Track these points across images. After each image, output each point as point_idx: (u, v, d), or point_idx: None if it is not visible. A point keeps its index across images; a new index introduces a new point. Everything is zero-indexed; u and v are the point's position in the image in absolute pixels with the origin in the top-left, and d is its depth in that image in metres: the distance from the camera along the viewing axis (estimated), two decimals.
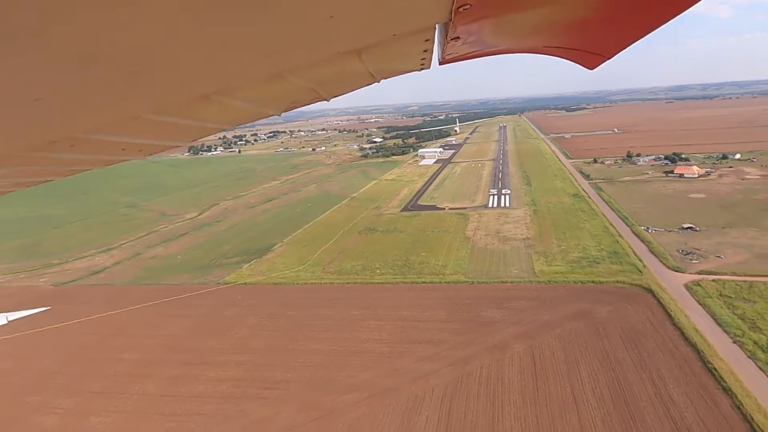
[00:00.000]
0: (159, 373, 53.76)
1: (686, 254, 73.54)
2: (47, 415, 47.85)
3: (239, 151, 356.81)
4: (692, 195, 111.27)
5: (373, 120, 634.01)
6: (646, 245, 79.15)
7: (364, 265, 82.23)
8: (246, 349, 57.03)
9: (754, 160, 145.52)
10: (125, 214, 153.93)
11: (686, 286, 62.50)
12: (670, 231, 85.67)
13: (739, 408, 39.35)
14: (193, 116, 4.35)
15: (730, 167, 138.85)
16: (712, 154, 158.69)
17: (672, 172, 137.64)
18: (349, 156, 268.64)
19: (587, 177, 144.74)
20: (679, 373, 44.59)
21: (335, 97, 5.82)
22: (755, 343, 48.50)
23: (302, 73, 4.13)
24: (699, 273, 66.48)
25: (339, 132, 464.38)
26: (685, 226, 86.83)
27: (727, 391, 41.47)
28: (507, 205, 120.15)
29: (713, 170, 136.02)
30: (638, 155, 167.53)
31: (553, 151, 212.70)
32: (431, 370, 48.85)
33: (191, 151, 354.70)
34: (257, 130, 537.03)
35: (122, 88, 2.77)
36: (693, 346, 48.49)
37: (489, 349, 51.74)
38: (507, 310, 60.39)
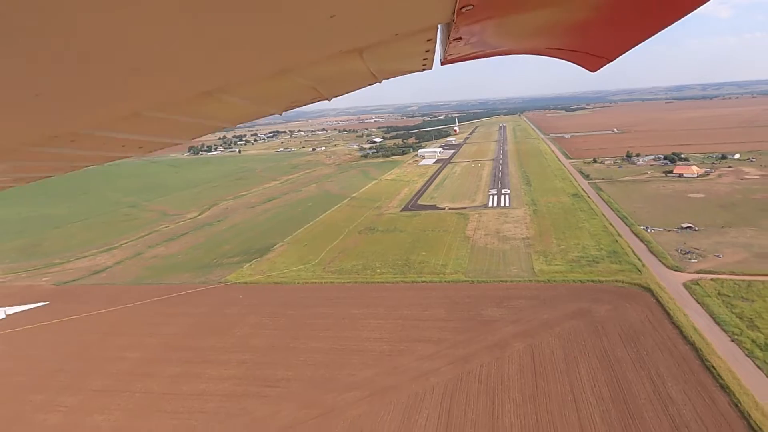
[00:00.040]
0: (161, 371, 54.10)
1: (685, 254, 73.89)
2: (50, 413, 48.21)
3: (239, 151, 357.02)
4: (691, 195, 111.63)
5: (373, 120, 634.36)
6: (645, 245, 79.51)
7: (364, 265, 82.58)
8: (247, 348, 57.37)
9: (754, 160, 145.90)
10: (126, 214, 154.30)
11: (685, 285, 62.85)
12: (669, 230, 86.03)
13: (736, 405, 39.68)
14: (193, 114, 4.39)
15: (730, 167, 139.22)
16: (711, 154, 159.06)
17: (671, 172, 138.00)
18: (349, 156, 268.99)
19: (587, 177, 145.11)
20: (678, 371, 44.93)
21: (336, 96, 5.83)
22: (753, 341, 48.84)
23: (303, 71, 4.13)
24: (698, 272, 66.84)
25: (339, 132, 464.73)
26: (684, 225, 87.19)
27: (725, 388, 41.80)
28: (507, 204, 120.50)
29: (712, 170, 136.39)
30: (638, 155, 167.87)
31: (553, 151, 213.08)
32: (431, 368, 49.19)
33: (191, 151, 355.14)
34: (257, 130, 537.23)
35: (122, 85, 2.78)
36: (691, 344, 48.83)
37: (489, 347, 52.08)
38: (507, 309, 60.73)
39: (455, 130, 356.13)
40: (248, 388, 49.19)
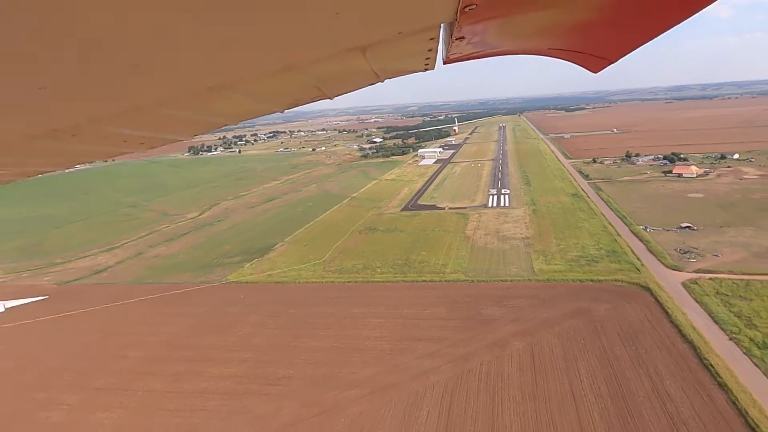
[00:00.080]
0: (163, 370, 54.46)
1: (684, 253, 74.26)
2: (54, 411, 48.59)
3: (239, 151, 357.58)
4: (690, 195, 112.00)
5: (372, 120, 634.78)
6: (645, 244, 79.88)
7: (364, 264, 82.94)
8: (248, 347, 57.74)
9: (753, 160, 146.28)
10: (126, 214, 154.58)
11: (684, 285, 63.20)
12: (668, 230, 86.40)
13: (734, 403, 40.03)
14: (195, 110, 4.41)
15: (729, 167, 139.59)
16: (710, 154, 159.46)
17: (671, 172, 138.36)
18: (349, 156, 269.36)
19: (586, 177, 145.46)
20: (676, 369, 45.30)
21: (339, 95, 5.80)
22: (751, 339, 49.19)
23: (306, 69, 4.12)
24: (696, 271, 67.20)
25: (339, 132, 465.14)
26: (683, 225, 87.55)
27: (722, 386, 42.14)
28: (506, 204, 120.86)
29: (712, 170, 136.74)
30: (637, 155, 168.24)
31: (553, 151, 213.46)
32: (432, 366, 49.54)
33: (191, 151, 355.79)
34: (257, 130, 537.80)
35: (123, 80, 2.79)
36: (690, 343, 49.19)
37: (489, 346, 52.44)
38: (506, 308, 61.08)
39: (454, 130, 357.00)
40: (250, 386, 49.56)
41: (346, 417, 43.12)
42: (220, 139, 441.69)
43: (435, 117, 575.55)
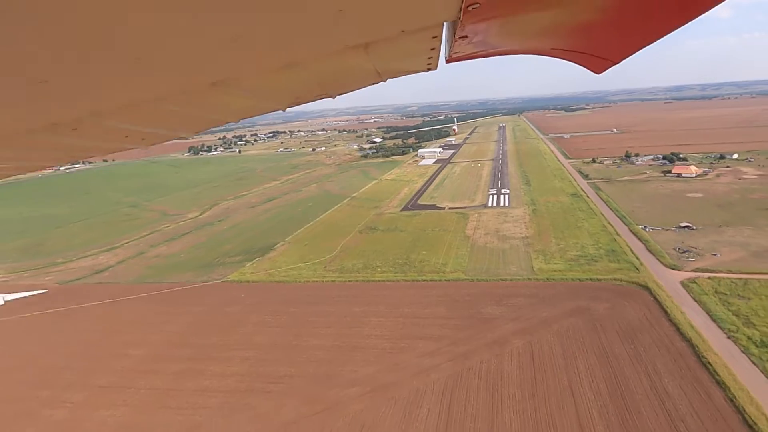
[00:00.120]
0: (165, 368, 54.82)
1: (683, 252, 74.64)
2: (57, 408, 48.96)
3: (239, 151, 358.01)
4: (690, 194, 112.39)
5: (372, 120, 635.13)
6: (644, 244, 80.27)
7: (365, 264, 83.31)
8: (250, 345, 58.10)
9: (752, 160, 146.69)
10: (127, 214, 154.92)
11: (682, 284, 63.57)
12: (667, 230, 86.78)
13: (732, 400, 40.40)
14: (197, 106, 4.41)
15: (728, 167, 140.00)
16: (710, 154, 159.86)
17: (670, 171, 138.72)
18: (349, 156, 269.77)
19: (586, 177, 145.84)
20: (674, 367, 45.67)
21: (341, 94, 5.83)
22: (749, 338, 49.57)
23: (309, 67, 4.12)
24: (695, 271, 67.59)
25: (339, 132, 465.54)
26: (682, 224, 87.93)
27: (720, 384, 42.52)
28: (506, 204, 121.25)
29: (711, 170, 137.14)
30: (637, 155, 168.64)
31: (552, 151, 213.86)
32: (432, 364, 49.91)
33: (191, 151, 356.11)
34: (257, 130, 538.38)
35: (125, 74, 2.79)
36: (688, 341, 49.57)
37: (488, 344, 52.80)
38: (506, 307, 61.45)
39: (454, 130, 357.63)
40: (252, 384, 49.94)
41: (347, 414, 43.48)
42: (220, 139, 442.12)
43: (435, 117, 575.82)
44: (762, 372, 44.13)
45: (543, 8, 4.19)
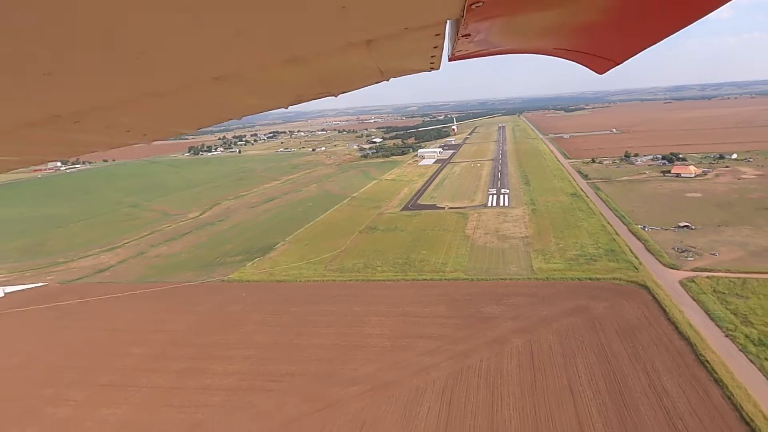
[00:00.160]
0: (167, 367, 55.14)
1: (682, 252, 75.01)
2: (60, 406, 49.26)
3: (239, 152, 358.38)
4: (689, 194, 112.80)
5: (372, 120, 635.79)
6: (643, 243, 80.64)
7: (365, 263, 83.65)
8: (251, 344, 58.43)
9: (751, 160, 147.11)
10: (128, 214, 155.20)
11: (681, 283, 63.93)
12: (666, 229, 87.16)
13: (729, 398, 40.77)
14: (199, 102, 4.39)
15: (727, 167, 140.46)
16: (709, 154, 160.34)
17: (669, 171, 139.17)
18: (349, 156, 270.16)
19: (585, 177, 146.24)
20: (673, 365, 46.03)
21: (343, 93, 5.80)
22: (747, 336, 49.94)
23: (312, 64, 4.10)
24: (694, 270, 67.94)
25: (338, 132, 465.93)
26: (681, 224, 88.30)
27: (718, 382, 42.89)
28: (506, 204, 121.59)
29: (710, 170, 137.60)
30: (636, 155, 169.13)
31: (552, 151, 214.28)
32: (432, 363, 50.26)
33: (191, 152, 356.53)
34: (257, 131, 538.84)
35: (129, 67, 2.79)
36: (686, 339, 49.94)
37: (488, 343, 53.15)
38: (506, 306, 61.79)
39: (453, 129, 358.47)
40: (253, 382, 50.27)
41: (348, 412, 43.81)
42: (220, 139, 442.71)
43: (434, 117, 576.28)
44: (759, 370, 44.51)
45: (546, 8, 4.21)
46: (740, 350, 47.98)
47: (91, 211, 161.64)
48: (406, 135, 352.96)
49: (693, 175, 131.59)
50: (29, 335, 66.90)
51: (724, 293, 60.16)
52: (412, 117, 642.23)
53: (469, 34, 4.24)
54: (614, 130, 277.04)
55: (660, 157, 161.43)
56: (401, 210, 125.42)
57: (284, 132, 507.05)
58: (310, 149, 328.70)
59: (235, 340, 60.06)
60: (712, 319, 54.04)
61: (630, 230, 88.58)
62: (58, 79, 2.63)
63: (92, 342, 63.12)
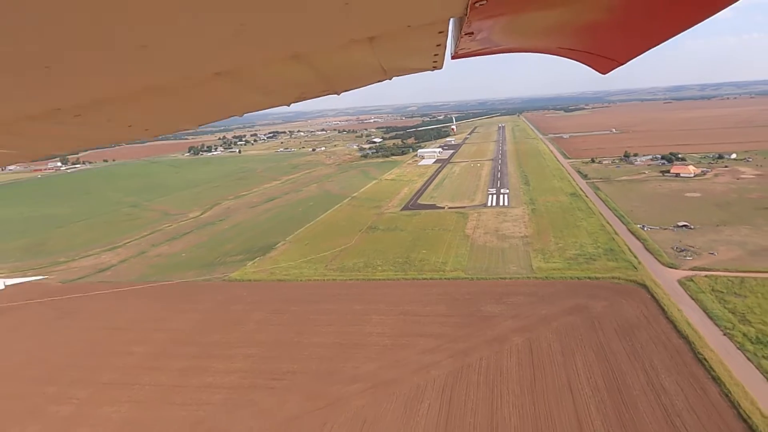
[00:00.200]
0: (168, 365, 55.47)
1: (680, 251, 75.38)
2: (63, 404, 49.58)
3: (239, 152, 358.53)
4: (688, 194, 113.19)
5: (372, 120, 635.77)
6: (642, 243, 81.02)
7: (365, 263, 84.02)
8: (253, 343, 58.78)
9: (750, 159, 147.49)
10: (128, 214, 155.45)
11: (680, 282, 64.32)
12: (665, 229, 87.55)
13: (727, 395, 41.15)
14: (201, 97, 4.37)
15: (726, 167, 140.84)
16: (708, 154, 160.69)
17: (668, 171, 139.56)
18: (349, 156, 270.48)
19: (585, 176, 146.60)
20: (671, 363, 46.41)
21: (346, 91, 5.80)
22: (744, 335, 50.32)
23: (314, 61, 4.08)
24: (692, 269, 68.34)
25: (338, 132, 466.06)
26: (680, 224, 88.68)
27: (716, 380, 43.28)
28: (506, 204, 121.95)
29: (709, 170, 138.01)
30: (635, 155, 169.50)
31: (552, 151, 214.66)
32: (432, 361, 50.62)
33: (191, 152, 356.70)
34: (257, 131, 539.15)
35: (131, 61, 2.76)
36: (685, 338, 50.32)
37: (488, 341, 53.51)
38: (506, 304, 62.15)
39: (453, 129, 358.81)
40: (255, 380, 50.61)
41: (349, 410, 44.17)
42: (219, 139, 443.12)
43: (434, 117, 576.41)
44: (757, 368, 44.89)
45: (550, 7, 4.21)
46: (738, 348, 48.37)
47: (92, 211, 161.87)
48: (406, 135, 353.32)
49: (692, 175, 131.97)
50: (31, 334, 67.25)
51: (722, 292, 60.55)
52: (412, 117, 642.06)
53: (472, 33, 4.25)
54: (614, 130, 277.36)
55: (659, 157, 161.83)
56: (401, 210, 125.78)
57: (284, 132, 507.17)
58: (310, 149, 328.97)
59: (236, 338, 60.41)
60: (711, 318, 54.43)
61: (629, 230, 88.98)
62: (58, 72, 2.62)
63: (94, 341, 63.47)
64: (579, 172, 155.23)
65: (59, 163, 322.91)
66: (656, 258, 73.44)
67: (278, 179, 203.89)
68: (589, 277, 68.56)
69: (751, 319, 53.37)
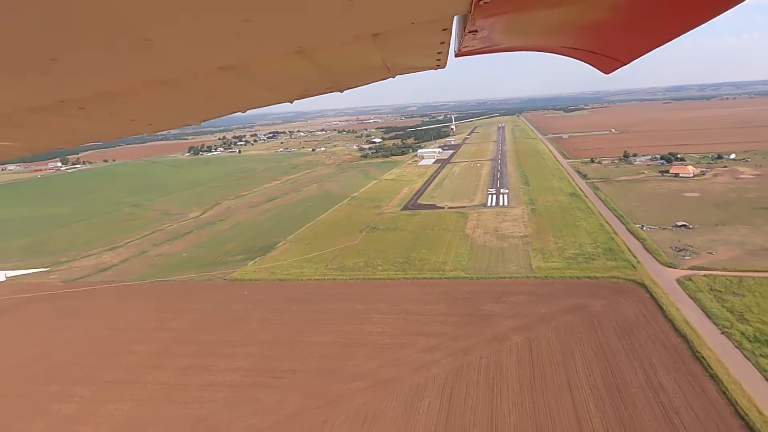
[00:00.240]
0: (171, 364, 55.83)
1: (679, 251, 75.77)
2: (65, 403, 49.94)
3: (239, 152, 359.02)
4: (687, 194, 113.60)
5: (371, 120, 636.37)
6: (641, 242, 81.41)
7: (366, 262, 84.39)
8: (254, 342, 59.14)
9: (749, 159, 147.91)
10: (129, 214, 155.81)
11: (678, 281, 64.69)
12: (664, 228, 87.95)
13: (725, 393, 41.52)
14: (204, 92, 4.37)
15: (725, 167, 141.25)
16: (707, 154, 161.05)
17: (668, 171, 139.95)
18: (348, 156, 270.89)
19: (584, 176, 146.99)
20: (669, 361, 46.80)
21: (349, 88, 5.76)
22: (742, 333, 50.71)
23: (318, 57, 4.06)
24: (691, 268, 68.73)
25: (338, 132, 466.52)
26: (679, 223, 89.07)
27: (714, 377, 43.66)
28: (505, 203, 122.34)
29: (708, 170, 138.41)
30: (635, 155, 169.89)
31: (551, 151, 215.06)
32: (433, 360, 50.99)
33: (191, 152, 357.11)
34: (257, 131, 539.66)
35: (136, 54, 2.77)
36: (683, 336, 50.69)
37: (488, 340, 53.90)
38: (505, 304, 62.53)
39: (452, 128, 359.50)
40: (256, 378, 50.99)
41: (350, 408, 44.55)
42: (219, 139, 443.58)
43: (434, 117, 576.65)
44: (754, 366, 45.28)
45: (554, 5, 4.21)
46: (736, 347, 48.75)
47: (92, 211, 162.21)
48: (406, 135, 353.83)
49: (691, 175, 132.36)
50: (32, 334, 67.60)
51: (720, 291, 60.94)
52: (412, 117, 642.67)
53: (476, 30, 4.24)
54: (613, 130, 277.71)
55: (658, 157, 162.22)
56: (401, 209, 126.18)
57: (284, 132, 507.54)
58: (310, 149, 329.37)
59: (237, 337, 60.78)
60: (709, 317, 54.81)
61: (628, 229, 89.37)
62: (64, 64, 2.63)
63: (96, 340, 63.83)
64: (578, 172, 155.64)
65: (59, 163, 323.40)
66: (655, 257, 73.83)
67: (278, 179, 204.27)
68: (589, 277, 68.94)
69: (749, 317, 53.75)
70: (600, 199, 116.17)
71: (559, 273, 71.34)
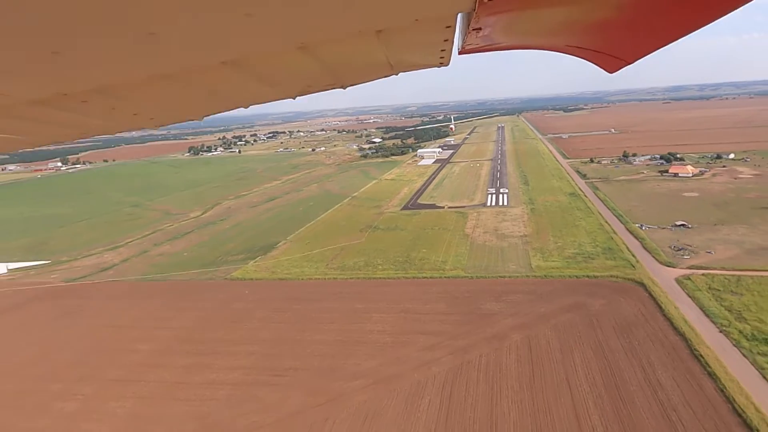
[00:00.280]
0: (172, 362, 56.19)
1: (678, 250, 76.13)
2: (69, 401, 50.30)
3: (239, 152, 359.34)
4: (686, 194, 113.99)
5: (371, 120, 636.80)
6: (640, 242, 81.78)
7: (366, 262, 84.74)
8: (255, 340, 59.49)
9: (748, 159, 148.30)
10: (129, 213, 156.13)
11: (677, 280, 65.06)
12: (663, 228, 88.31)
13: (722, 391, 41.88)
14: (207, 86, 4.38)
15: (724, 167, 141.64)
16: (706, 154, 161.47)
17: (667, 171, 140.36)
18: (348, 156, 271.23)
19: (584, 176, 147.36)
20: (668, 359, 47.16)
21: (352, 85, 5.75)
22: (740, 332, 51.06)
23: (321, 53, 4.04)
24: (689, 268, 69.07)
25: (338, 132, 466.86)
26: (678, 223, 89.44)
27: (712, 375, 44.02)
28: (505, 203, 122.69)
29: (707, 170, 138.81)
30: (634, 155, 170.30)
31: (551, 151, 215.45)
32: (433, 358, 51.35)
33: (191, 152, 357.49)
34: (256, 131, 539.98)
35: (139, 48, 2.78)
36: (681, 335, 51.06)
37: (488, 339, 54.26)
38: (505, 303, 62.89)
39: (451, 128, 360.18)
40: (258, 377, 51.36)
41: (351, 405, 44.90)
42: (219, 139, 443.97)
43: (434, 117, 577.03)
44: (752, 364, 45.65)
45: (559, 4, 4.19)
46: (734, 345, 49.11)
47: (93, 211, 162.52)
48: (406, 135, 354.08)
49: (690, 175, 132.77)
50: (34, 333, 67.93)
51: (719, 290, 61.31)
52: (412, 117, 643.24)
53: (480, 28, 4.21)
54: (613, 130, 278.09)
55: (658, 156, 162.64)
56: (401, 209, 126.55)
57: (284, 132, 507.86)
58: (310, 149, 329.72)
59: (239, 336, 61.13)
60: (707, 316, 55.18)
61: (627, 229, 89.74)
62: (66, 57, 2.64)
63: (98, 339, 64.18)
64: (578, 171, 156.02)
65: (59, 164, 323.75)
66: (654, 257, 74.20)
67: (278, 179, 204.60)
68: (588, 276, 69.31)
69: (747, 316, 54.12)
70: (599, 198, 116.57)
71: (559, 272, 71.71)
